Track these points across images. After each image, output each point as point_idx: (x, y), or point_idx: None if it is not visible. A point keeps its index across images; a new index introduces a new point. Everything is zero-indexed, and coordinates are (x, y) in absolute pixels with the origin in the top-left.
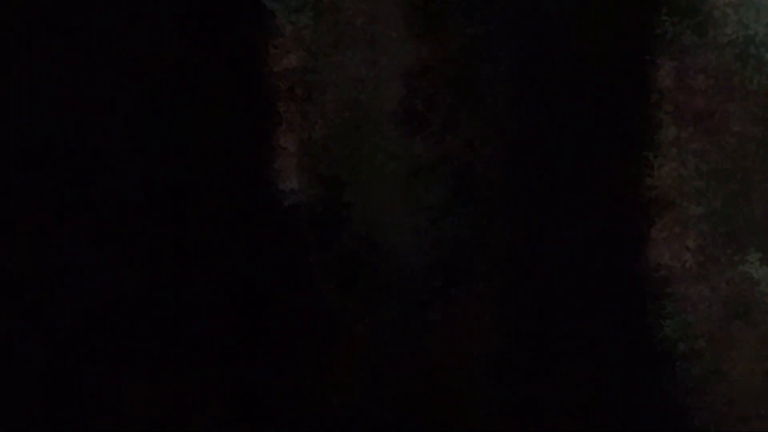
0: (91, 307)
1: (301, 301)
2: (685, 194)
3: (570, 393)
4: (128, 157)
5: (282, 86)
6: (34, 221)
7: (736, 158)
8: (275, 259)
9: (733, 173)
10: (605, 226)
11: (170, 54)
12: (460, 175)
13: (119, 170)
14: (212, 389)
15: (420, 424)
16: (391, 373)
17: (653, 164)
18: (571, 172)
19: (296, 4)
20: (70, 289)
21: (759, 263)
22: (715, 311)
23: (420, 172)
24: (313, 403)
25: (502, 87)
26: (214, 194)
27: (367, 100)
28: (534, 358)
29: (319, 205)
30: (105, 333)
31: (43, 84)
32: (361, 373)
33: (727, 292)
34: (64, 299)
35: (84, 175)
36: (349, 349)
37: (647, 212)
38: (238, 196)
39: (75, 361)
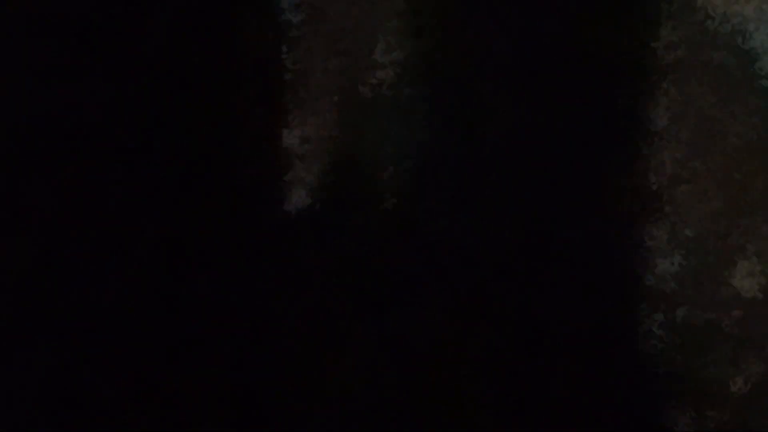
0: (91, 308)
1: (301, 301)
2: (685, 195)
3: (570, 393)
4: (130, 158)
5: (287, 88)
6: (34, 222)
7: (736, 159)
8: (275, 259)
9: (733, 175)
10: (605, 226)
11: (175, 55)
12: (460, 174)
13: (120, 171)
14: (213, 390)
15: (420, 425)
16: (390, 373)
17: (653, 165)
18: (571, 171)
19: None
20: (71, 289)
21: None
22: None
23: (420, 172)
24: (313, 403)
25: (502, 86)
26: (215, 194)
27: (368, 100)
28: (533, 359)
29: (319, 203)
30: (105, 334)
31: (44, 84)
32: (361, 373)
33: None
34: (64, 300)
35: (85, 177)
36: (349, 349)
37: (647, 212)
38: (239, 196)
39: (75, 361)
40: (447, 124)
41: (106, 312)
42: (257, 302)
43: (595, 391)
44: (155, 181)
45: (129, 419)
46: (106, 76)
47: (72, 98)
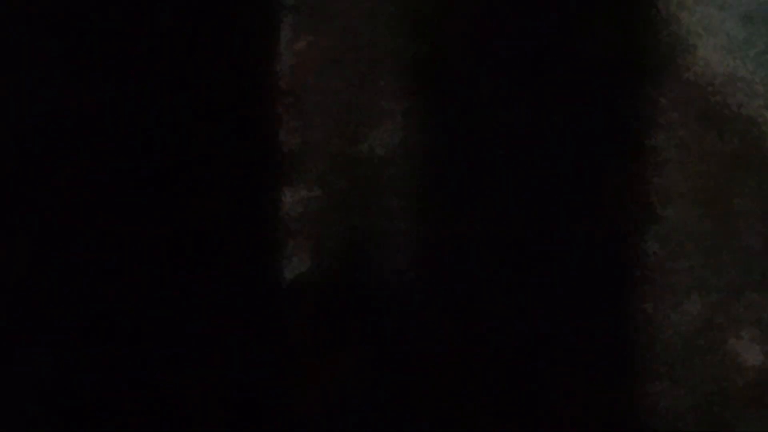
0: (91, 308)
1: (301, 301)
2: (685, 195)
3: (569, 394)
4: (130, 158)
5: (286, 89)
6: (35, 222)
7: (737, 159)
8: (274, 259)
9: (734, 176)
10: (605, 226)
11: (176, 56)
12: (460, 174)
13: (120, 171)
14: (213, 390)
15: (420, 425)
16: (390, 373)
17: (653, 165)
18: (571, 172)
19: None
20: (71, 289)
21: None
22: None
23: (419, 172)
24: (313, 403)
25: (502, 86)
26: (214, 193)
27: (368, 101)
28: (533, 359)
29: (318, 203)
30: (105, 334)
31: (44, 84)
32: (359, 374)
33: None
34: (64, 300)
35: (85, 177)
36: (347, 350)
37: (647, 212)
38: (237, 195)
39: (75, 361)
40: (447, 124)
41: (106, 312)
42: (257, 302)
43: (595, 392)
44: (155, 180)
45: (129, 419)
46: (106, 76)
47: (72, 98)
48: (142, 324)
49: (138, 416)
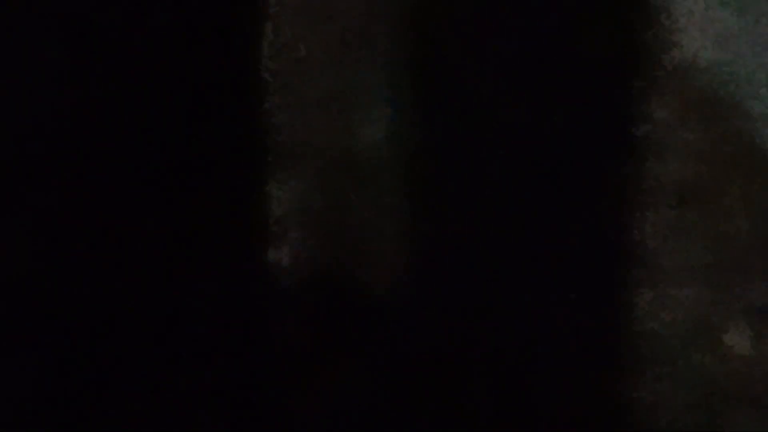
0: (91, 308)
1: (300, 302)
2: (684, 194)
3: (569, 394)
4: (129, 158)
5: (280, 86)
6: (33, 223)
7: (738, 158)
8: (273, 259)
9: (734, 176)
10: (605, 226)
11: (175, 57)
12: (459, 174)
13: (120, 171)
14: (212, 390)
15: (419, 426)
16: (388, 374)
17: (652, 165)
18: (571, 172)
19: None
20: (71, 289)
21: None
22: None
23: (419, 172)
24: (313, 404)
25: (502, 86)
26: (214, 193)
27: (366, 101)
28: (532, 359)
29: (316, 203)
30: (105, 333)
31: (44, 84)
32: (358, 375)
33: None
34: (64, 300)
35: (85, 177)
36: (346, 350)
37: (646, 212)
38: (236, 196)
39: (75, 361)
40: (446, 124)
41: (106, 311)
42: (255, 302)
43: (595, 392)
44: (153, 180)
45: (129, 419)
46: (105, 76)
47: (72, 98)
48: (141, 325)
49: (138, 416)
